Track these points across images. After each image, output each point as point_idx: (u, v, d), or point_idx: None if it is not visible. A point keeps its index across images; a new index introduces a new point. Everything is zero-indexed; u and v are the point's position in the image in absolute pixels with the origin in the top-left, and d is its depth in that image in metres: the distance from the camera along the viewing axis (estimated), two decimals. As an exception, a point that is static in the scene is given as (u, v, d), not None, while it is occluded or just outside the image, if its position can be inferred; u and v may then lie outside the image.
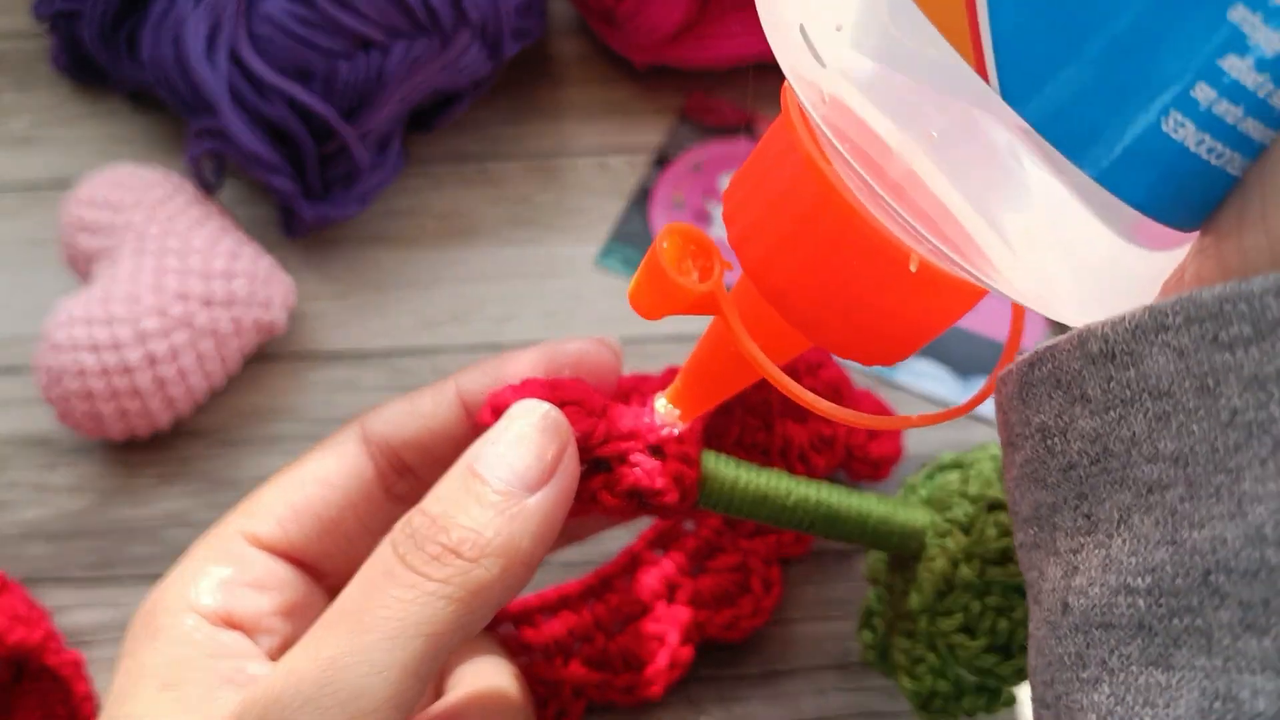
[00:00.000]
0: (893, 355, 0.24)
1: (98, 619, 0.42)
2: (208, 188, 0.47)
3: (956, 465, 0.33)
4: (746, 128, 0.52)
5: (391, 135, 0.48)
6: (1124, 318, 0.20)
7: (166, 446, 0.45)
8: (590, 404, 0.29)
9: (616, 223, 0.50)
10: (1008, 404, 0.24)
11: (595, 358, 0.33)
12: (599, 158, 0.52)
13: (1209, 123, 0.18)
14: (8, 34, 0.55)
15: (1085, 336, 0.21)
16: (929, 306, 0.23)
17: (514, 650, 0.38)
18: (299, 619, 0.31)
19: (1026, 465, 0.23)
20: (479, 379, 0.32)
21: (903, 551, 0.31)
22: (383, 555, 0.27)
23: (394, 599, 0.25)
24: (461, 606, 0.26)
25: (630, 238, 0.49)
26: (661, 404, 0.30)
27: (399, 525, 0.27)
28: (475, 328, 0.47)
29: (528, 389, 0.29)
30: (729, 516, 0.32)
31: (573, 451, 0.28)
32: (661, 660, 0.38)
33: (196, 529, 0.33)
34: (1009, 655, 0.29)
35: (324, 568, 0.32)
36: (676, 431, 0.30)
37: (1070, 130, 0.18)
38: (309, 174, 0.46)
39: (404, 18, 0.44)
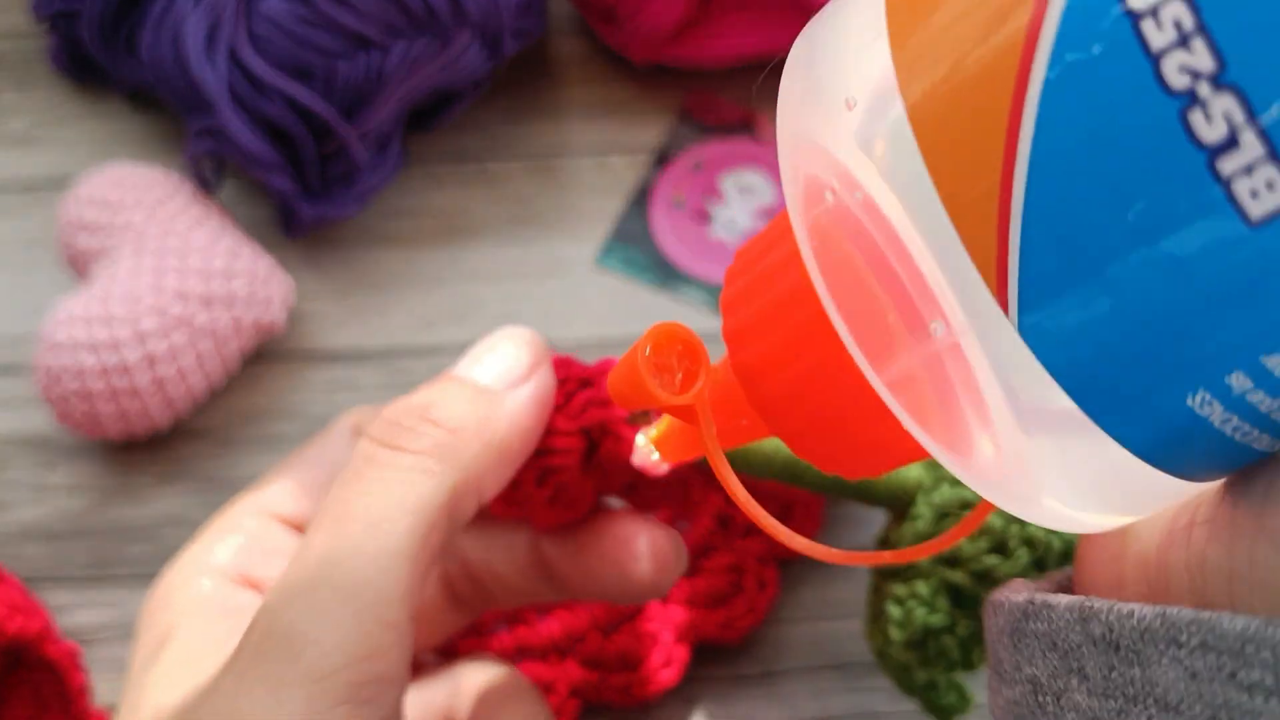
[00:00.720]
0: (879, 470, 0.24)
1: (96, 619, 0.42)
2: (207, 187, 0.47)
3: None
4: (746, 127, 0.52)
5: (391, 135, 0.48)
6: (1131, 612, 0.19)
7: (165, 446, 0.45)
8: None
9: (616, 223, 0.50)
10: (996, 639, 0.22)
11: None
12: (599, 157, 0.52)
13: (1239, 406, 0.17)
14: (7, 34, 0.55)
15: (1087, 615, 0.20)
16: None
17: (509, 651, 0.38)
18: None
19: (1014, 706, 0.21)
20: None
21: (893, 504, 0.30)
22: (360, 445, 0.26)
23: (373, 480, 0.24)
24: (443, 481, 0.25)
25: (630, 238, 0.49)
26: (642, 440, 0.29)
27: (368, 418, 0.27)
28: (475, 327, 0.47)
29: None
30: (722, 518, 0.32)
31: (548, 365, 0.28)
32: (657, 660, 0.38)
33: (196, 529, 0.33)
34: (1041, 566, 0.28)
35: None
36: (662, 470, 0.29)
37: (1082, 380, 0.17)
38: (308, 173, 0.46)
39: (403, 17, 0.44)
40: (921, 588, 0.29)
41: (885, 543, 0.32)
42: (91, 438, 0.44)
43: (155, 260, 0.43)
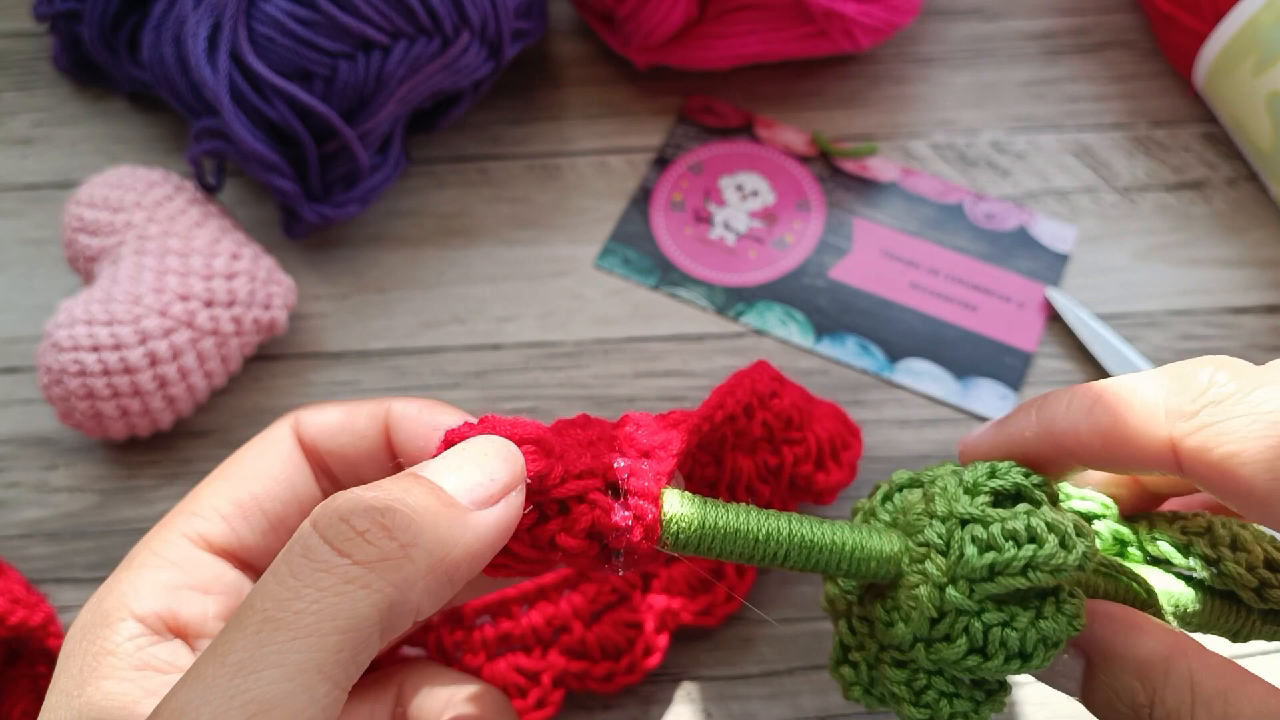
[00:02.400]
0: None
1: (99, 619, 0.42)
2: (209, 188, 0.47)
3: (914, 483, 0.32)
4: (746, 130, 0.52)
5: (392, 136, 0.49)
6: None
7: (167, 446, 0.45)
8: (547, 444, 0.28)
9: (616, 223, 0.50)
10: None
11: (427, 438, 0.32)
12: (599, 158, 0.52)
13: None
14: (8, 34, 0.56)
15: None
16: None
17: (493, 642, 0.39)
18: None
19: None
20: (413, 408, 0.32)
21: (877, 580, 0.30)
22: (301, 535, 0.23)
23: (309, 587, 0.22)
24: (383, 599, 0.23)
25: (630, 238, 0.49)
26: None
27: (321, 504, 0.24)
28: (476, 328, 0.48)
29: (486, 425, 0.28)
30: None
31: (521, 487, 0.26)
32: (638, 647, 0.38)
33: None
34: (1027, 658, 0.28)
35: (262, 563, 0.31)
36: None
37: None
38: (310, 174, 0.46)
39: (405, 19, 0.44)
40: (939, 682, 0.29)
41: (868, 620, 0.31)
42: (94, 438, 0.45)
43: (157, 261, 0.43)
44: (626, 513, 0.27)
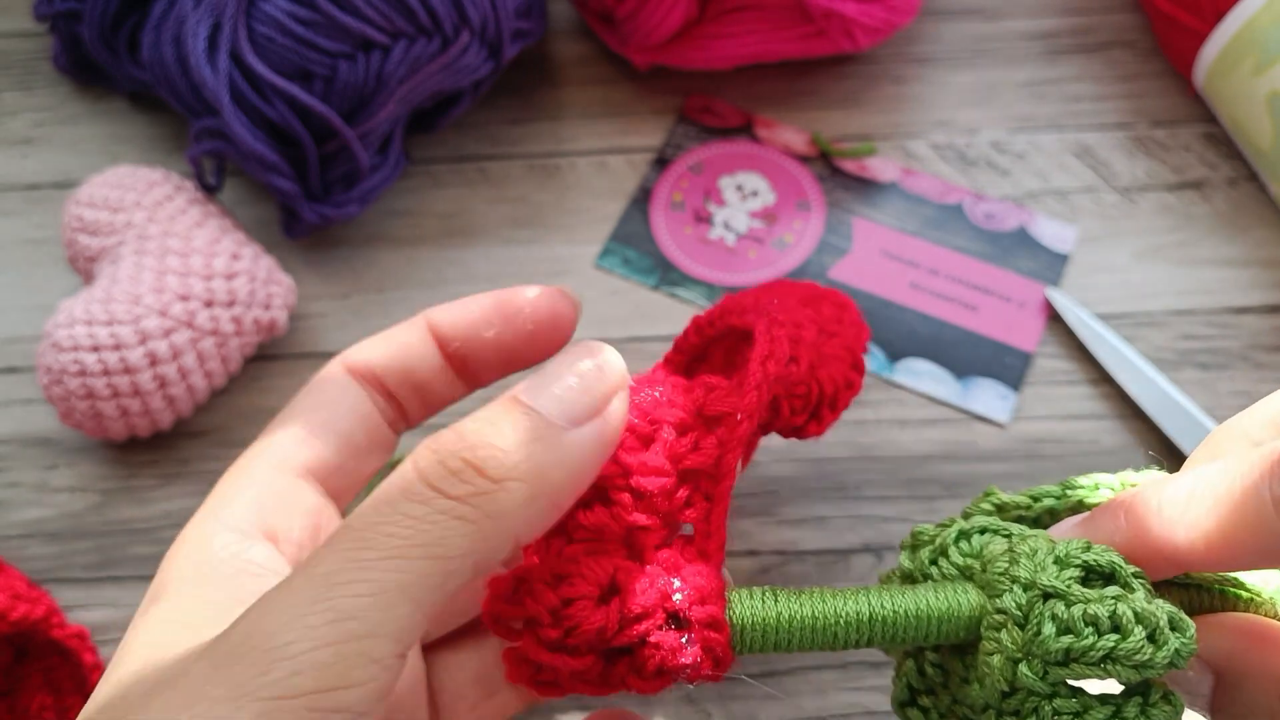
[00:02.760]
0: None
1: (99, 618, 0.42)
2: (209, 188, 0.47)
3: (996, 531, 0.29)
4: (746, 130, 0.52)
5: (392, 136, 0.49)
6: None
7: (167, 446, 0.45)
8: (598, 584, 0.26)
9: (616, 223, 0.50)
10: None
11: (551, 307, 0.33)
12: (599, 158, 0.52)
13: None
14: (8, 34, 0.56)
15: None
16: None
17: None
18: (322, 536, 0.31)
19: None
20: (446, 312, 0.33)
21: (959, 641, 0.28)
22: (401, 470, 0.24)
23: (402, 515, 0.23)
24: (476, 531, 0.23)
25: (630, 238, 0.49)
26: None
27: (425, 441, 0.24)
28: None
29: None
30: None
31: (624, 395, 0.26)
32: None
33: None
34: None
35: (338, 481, 0.32)
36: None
37: None
38: (310, 174, 0.46)
39: (405, 19, 0.44)
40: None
41: (945, 669, 0.29)
42: (93, 438, 0.45)
43: (157, 261, 0.43)
44: (694, 648, 0.26)
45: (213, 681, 0.22)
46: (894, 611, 0.27)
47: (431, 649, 0.34)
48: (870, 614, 0.27)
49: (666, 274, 0.49)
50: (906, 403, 0.45)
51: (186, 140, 0.51)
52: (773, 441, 0.44)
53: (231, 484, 0.30)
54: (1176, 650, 0.24)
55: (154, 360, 0.42)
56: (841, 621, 0.27)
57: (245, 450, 0.32)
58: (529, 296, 0.33)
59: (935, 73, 0.54)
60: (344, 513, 0.33)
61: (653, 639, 0.25)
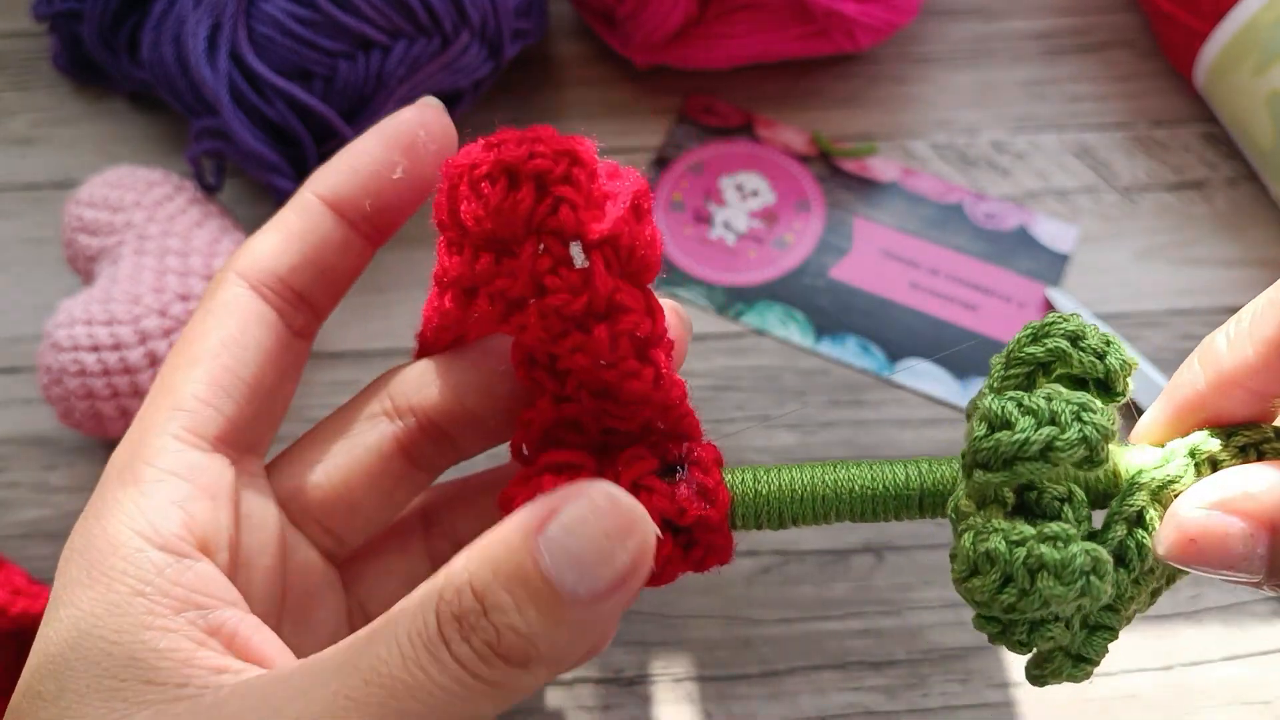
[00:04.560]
0: None
1: (98, 619, 0.42)
2: (208, 188, 0.47)
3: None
4: (746, 130, 0.52)
5: (392, 135, 0.48)
6: None
7: (167, 446, 0.45)
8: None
9: (616, 223, 0.50)
10: None
11: (438, 120, 0.30)
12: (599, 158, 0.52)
13: None
14: (8, 34, 0.56)
15: None
16: None
17: None
18: (242, 520, 0.28)
19: None
20: (336, 176, 0.30)
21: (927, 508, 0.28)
22: (422, 626, 0.23)
23: (437, 688, 0.23)
24: (502, 706, 0.23)
25: (630, 238, 0.49)
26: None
27: (442, 589, 0.23)
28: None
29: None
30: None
31: (650, 550, 0.24)
32: None
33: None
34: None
35: (251, 436, 0.29)
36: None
37: None
38: (309, 174, 0.46)
39: (405, 18, 0.44)
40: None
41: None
42: (94, 438, 0.44)
43: (156, 261, 0.43)
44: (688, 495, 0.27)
45: None
46: (878, 476, 0.28)
47: (351, 562, 0.32)
48: (860, 479, 0.28)
49: (667, 274, 0.49)
50: (906, 403, 0.45)
51: (186, 140, 0.51)
52: (773, 441, 0.44)
53: (141, 476, 0.26)
54: (1082, 435, 0.24)
55: (154, 360, 0.42)
56: (828, 482, 0.28)
57: (145, 411, 0.28)
58: (411, 118, 0.30)
59: (936, 73, 0.54)
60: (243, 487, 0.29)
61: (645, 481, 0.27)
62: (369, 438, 0.30)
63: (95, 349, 0.41)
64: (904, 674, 0.40)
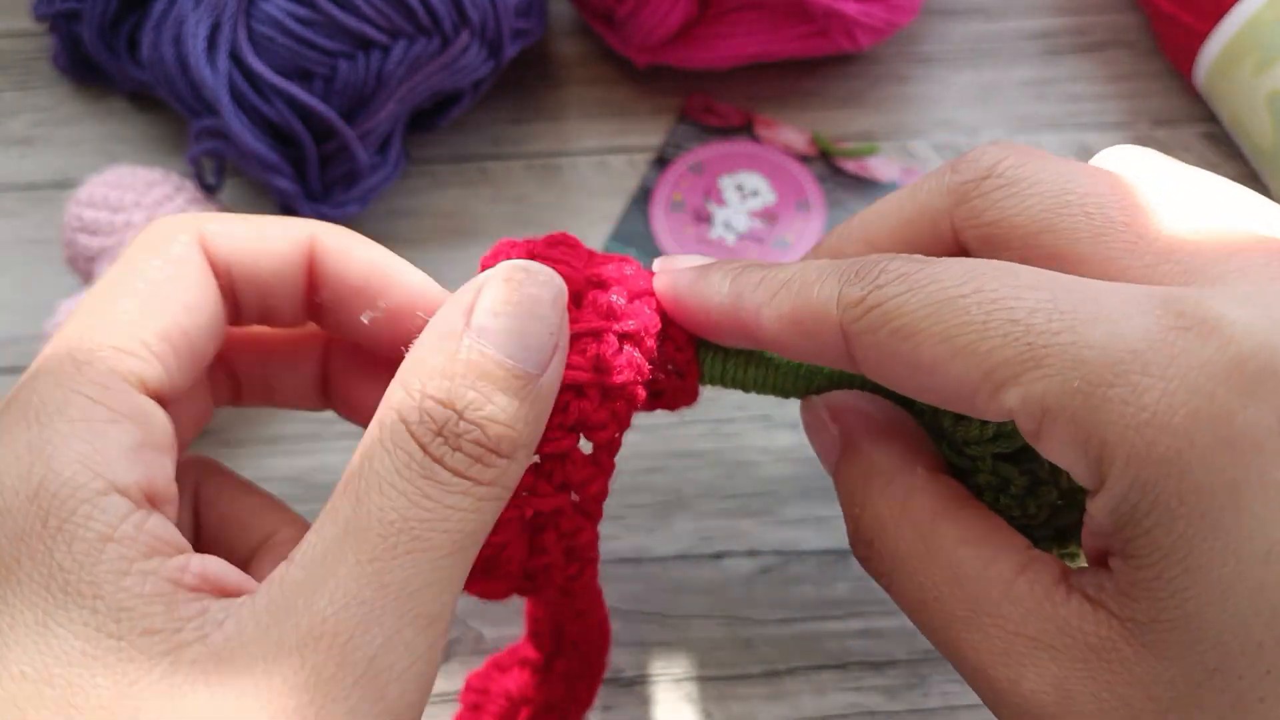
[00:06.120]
0: None
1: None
2: (208, 188, 0.47)
3: None
4: (746, 129, 0.52)
5: (392, 135, 0.48)
6: None
7: (167, 446, 0.45)
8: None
9: (616, 223, 0.50)
10: None
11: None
12: (599, 158, 0.52)
13: None
14: (8, 34, 0.56)
15: None
16: None
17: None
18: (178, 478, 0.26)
19: None
20: (342, 239, 0.29)
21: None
22: (408, 452, 0.23)
23: (450, 510, 0.23)
24: (502, 503, 0.25)
25: (630, 238, 0.49)
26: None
27: (403, 416, 0.24)
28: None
29: (506, 251, 0.27)
30: None
31: (564, 300, 0.26)
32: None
33: (198, 529, 0.33)
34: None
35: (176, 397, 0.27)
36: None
37: None
38: (309, 174, 0.46)
39: (404, 18, 0.44)
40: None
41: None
42: (93, 438, 0.44)
43: (157, 261, 0.43)
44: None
45: (327, 712, 0.22)
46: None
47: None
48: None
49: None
50: (907, 403, 0.45)
51: (186, 140, 0.51)
52: (773, 441, 0.44)
53: (91, 414, 0.23)
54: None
55: (154, 360, 0.42)
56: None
57: (71, 330, 0.25)
58: (420, 294, 0.29)
59: (936, 72, 0.54)
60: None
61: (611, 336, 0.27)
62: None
63: (95, 349, 0.41)
64: (904, 674, 0.40)
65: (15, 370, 0.47)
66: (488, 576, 0.28)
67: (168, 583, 0.22)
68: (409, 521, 0.23)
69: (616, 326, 0.27)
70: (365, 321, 0.29)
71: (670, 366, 0.30)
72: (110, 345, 0.25)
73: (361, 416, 0.31)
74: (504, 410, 0.24)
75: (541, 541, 0.28)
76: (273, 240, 0.28)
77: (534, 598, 0.32)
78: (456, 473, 0.24)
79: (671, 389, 0.30)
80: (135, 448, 0.24)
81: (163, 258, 0.27)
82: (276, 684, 0.22)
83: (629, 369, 0.27)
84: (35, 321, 0.47)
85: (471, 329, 0.24)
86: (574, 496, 0.28)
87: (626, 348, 0.27)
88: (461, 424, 0.24)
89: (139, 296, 0.26)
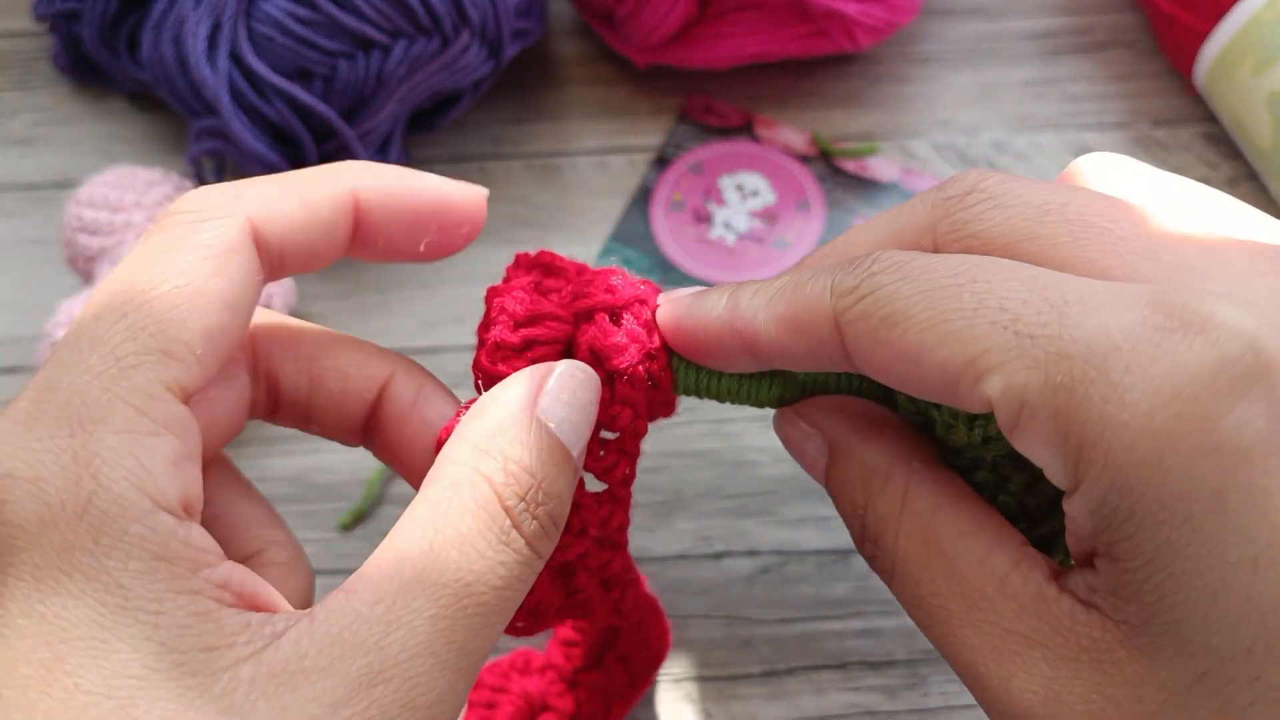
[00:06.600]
0: None
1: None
2: (208, 188, 0.47)
3: None
4: (746, 129, 0.52)
5: (392, 135, 0.49)
6: None
7: (167, 446, 0.45)
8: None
9: (616, 223, 0.50)
10: None
11: (480, 213, 0.31)
12: (599, 158, 0.52)
13: None
14: (8, 34, 0.56)
15: None
16: None
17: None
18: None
19: None
20: (383, 210, 0.29)
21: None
22: (490, 515, 0.25)
23: (514, 578, 0.25)
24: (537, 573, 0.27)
25: (630, 238, 0.49)
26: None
27: (494, 473, 0.25)
28: (476, 328, 0.47)
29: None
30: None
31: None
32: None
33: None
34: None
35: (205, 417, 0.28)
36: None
37: None
38: (309, 174, 0.46)
39: (405, 18, 0.44)
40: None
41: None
42: (93, 438, 0.44)
43: (157, 261, 0.43)
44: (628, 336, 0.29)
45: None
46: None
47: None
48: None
49: (667, 274, 0.49)
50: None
51: (186, 140, 0.51)
52: (773, 441, 0.44)
53: (134, 425, 0.23)
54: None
55: (154, 360, 0.42)
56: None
57: (108, 325, 0.24)
58: (469, 208, 0.30)
59: (936, 72, 0.54)
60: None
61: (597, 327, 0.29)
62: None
63: (95, 349, 0.41)
64: (904, 674, 0.40)
65: (15, 370, 0.47)
66: (532, 620, 0.30)
67: (212, 599, 0.23)
68: (481, 585, 0.25)
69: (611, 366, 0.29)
70: (422, 250, 0.30)
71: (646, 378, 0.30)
72: (157, 349, 0.24)
73: (401, 459, 0.32)
74: (561, 489, 0.26)
75: (575, 584, 0.30)
76: (318, 208, 0.28)
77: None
78: (528, 542, 0.26)
79: (649, 400, 0.30)
80: (176, 460, 0.24)
81: (211, 245, 0.25)
82: (344, 714, 0.23)
83: (623, 417, 0.29)
84: (35, 321, 0.47)
85: (544, 410, 0.27)
86: (595, 533, 0.29)
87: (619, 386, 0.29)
88: (540, 493, 0.26)
89: (183, 288, 0.25)
